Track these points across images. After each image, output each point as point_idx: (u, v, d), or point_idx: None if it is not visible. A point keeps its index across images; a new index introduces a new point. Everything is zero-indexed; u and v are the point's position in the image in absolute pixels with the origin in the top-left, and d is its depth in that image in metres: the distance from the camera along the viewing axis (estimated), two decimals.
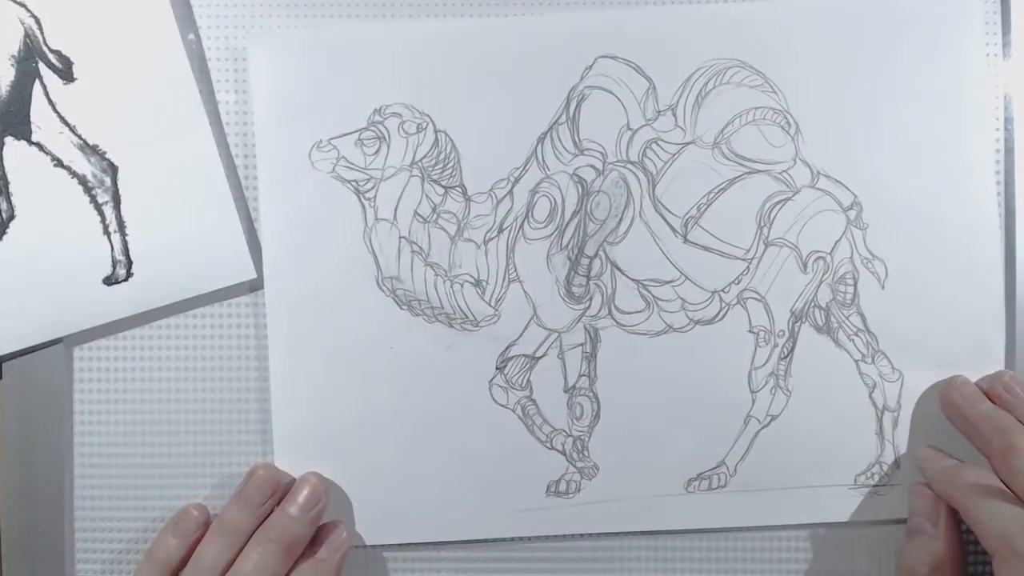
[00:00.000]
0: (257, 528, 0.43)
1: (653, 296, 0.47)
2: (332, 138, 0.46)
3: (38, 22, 0.45)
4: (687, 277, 0.47)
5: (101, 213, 0.46)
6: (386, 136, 0.46)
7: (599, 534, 0.48)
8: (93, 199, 0.46)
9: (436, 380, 0.47)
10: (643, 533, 0.48)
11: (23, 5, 0.45)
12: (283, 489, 0.45)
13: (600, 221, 0.47)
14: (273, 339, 0.47)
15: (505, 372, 0.47)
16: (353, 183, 0.46)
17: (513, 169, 0.47)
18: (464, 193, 0.47)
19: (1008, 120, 0.48)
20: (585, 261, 0.47)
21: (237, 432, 0.48)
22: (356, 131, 0.46)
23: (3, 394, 0.47)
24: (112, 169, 0.46)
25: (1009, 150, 0.48)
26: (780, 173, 0.47)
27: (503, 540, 0.48)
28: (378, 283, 0.47)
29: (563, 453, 0.47)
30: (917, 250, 0.47)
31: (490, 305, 0.47)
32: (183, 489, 0.47)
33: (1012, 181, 0.48)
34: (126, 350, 0.47)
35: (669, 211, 0.47)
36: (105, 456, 0.47)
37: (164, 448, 0.48)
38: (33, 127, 0.46)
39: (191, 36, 0.47)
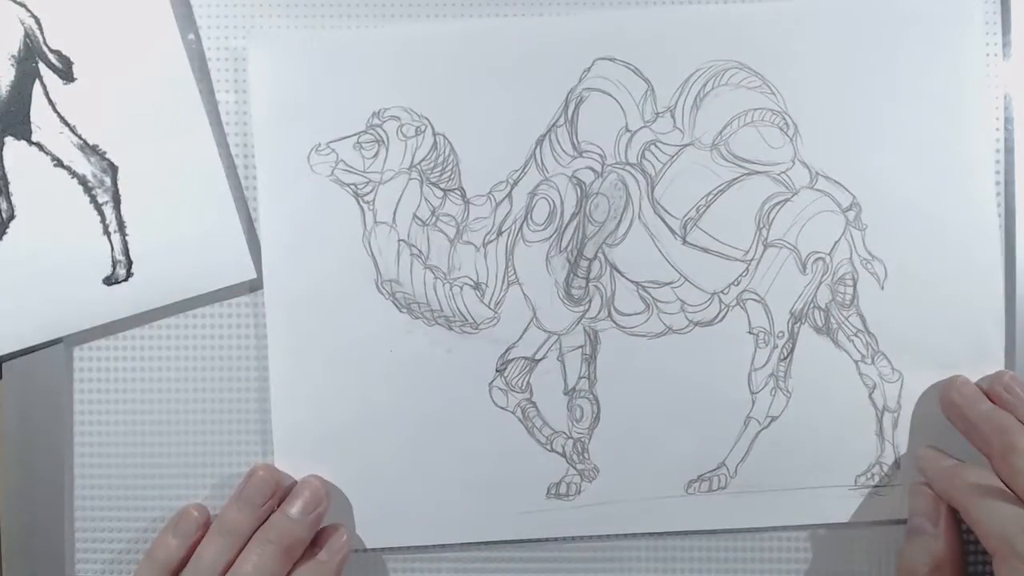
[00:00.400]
0: (257, 529, 0.44)
1: (652, 298, 0.47)
2: (331, 141, 0.46)
3: (38, 22, 0.45)
4: (686, 279, 0.47)
5: (101, 213, 0.46)
6: (385, 139, 0.46)
7: (600, 536, 0.48)
8: (93, 199, 0.46)
9: (436, 383, 0.47)
10: (644, 535, 0.48)
11: (23, 5, 0.45)
12: (283, 491, 0.45)
13: (599, 223, 0.47)
14: (273, 340, 0.47)
15: (505, 375, 0.47)
16: (352, 186, 0.46)
17: (512, 171, 0.47)
18: (463, 196, 0.47)
19: (1008, 120, 0.48)
20: (584, 263, 0.47)
21: (237, 432, 0.48)
22: (355, 134, 0.46)
23: (3, 394, 0.47)
24: (112, 169, 0.46)
25: (1009, 150, 0.48)
26: (779, 174, 0.47)
27: (503, 542, 0.48)
28: (377, 286, 0.47)
29: (563, 455, 0.47)
30: (916, 251, 0.47)
31: (489, 308, 0.47)
32: (183, 489, 0.48)
33: (1012, 181, 0.48)
34: (126, 350, 0.47)
35: (668, 213, 0.47)
36: (105, 456, 0.48)
37: (164, 448, 0.48)
38: (33, 127, 0.46)
39: (191, 36, 0.47)
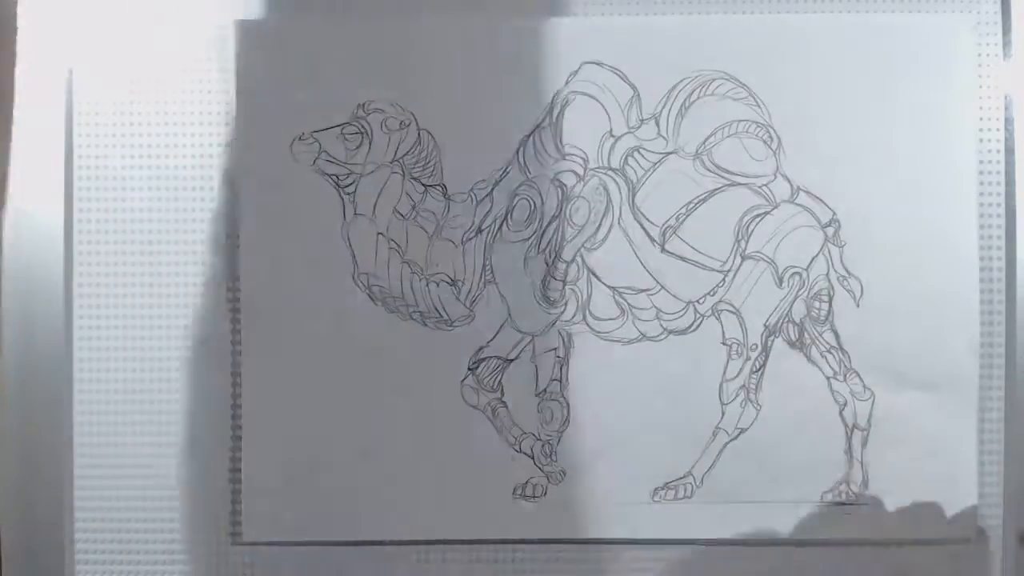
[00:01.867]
0: None
1: (628, 304, 0.47)
2: (314, 131, 0.46)
3: None
4: (663, 286, 0.47)
5: None
6: (368, 132, 0.46)
7: (564, 540, 0.48)
8: None
9: (407, 378, 0.47)
10: (607, 541, 0.48)
11: None
12: None
13: (579, 226, 0.47)
14: (247, 330, 0.47)
15: (477, 373, 0.47)
16: (333, 177, 0.46)
17: (494, 171, 0.47)
18: (444, 192, 0.47)
19: (1008, 120, 0.47)
20: (562, 266, 0.47)
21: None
22: (339, 125, 0.46)
23: (3, 392, 0.47)
24: None
25: (1009, 150, 0.47)
26: (760, 187, 0.47)
27: (466, 542, 0.48)
28: (354, 278, 0.47)
29: (531, 456, 0.47)
30: (894, 270, 0.46)
31: (465, 305, 0.47)
32: (181, 489, 0.48)
33: (1012, 181, 0.47)
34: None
35: (648, 220, 0.46)
36: (105, 456, 0.48)
37: (162, 447, 0.48)
38: None
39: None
